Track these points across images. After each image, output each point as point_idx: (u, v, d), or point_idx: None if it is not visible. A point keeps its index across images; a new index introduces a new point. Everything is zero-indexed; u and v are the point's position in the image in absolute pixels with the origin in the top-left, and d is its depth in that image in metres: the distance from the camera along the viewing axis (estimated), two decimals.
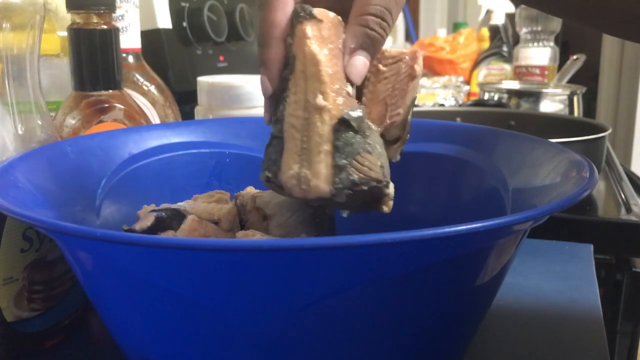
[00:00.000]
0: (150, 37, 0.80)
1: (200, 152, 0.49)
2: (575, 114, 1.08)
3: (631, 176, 0.90)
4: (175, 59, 0.83)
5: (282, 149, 0.32)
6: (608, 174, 0.85)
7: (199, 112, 0.64)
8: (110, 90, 0.50)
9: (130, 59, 0.63)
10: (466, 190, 0.45)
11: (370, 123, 0.32)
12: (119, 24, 0.59)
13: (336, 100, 0.31)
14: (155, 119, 0.63)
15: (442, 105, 1.26)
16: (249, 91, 0.60)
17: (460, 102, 1.32)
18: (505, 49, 1.64)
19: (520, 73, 1.39)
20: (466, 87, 1.47)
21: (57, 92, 0.58)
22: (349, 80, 0.32)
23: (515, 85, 1.21)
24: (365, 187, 0.31)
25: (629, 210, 0.68)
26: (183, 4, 0.86)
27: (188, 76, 0.84)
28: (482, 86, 1.19)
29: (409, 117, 0.33)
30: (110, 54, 0.49)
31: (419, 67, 0.32)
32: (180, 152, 0.48)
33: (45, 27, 0.46)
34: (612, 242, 0.63)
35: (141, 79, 0.64)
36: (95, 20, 0.48)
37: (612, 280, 0.63)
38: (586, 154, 0.36)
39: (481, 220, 0.25)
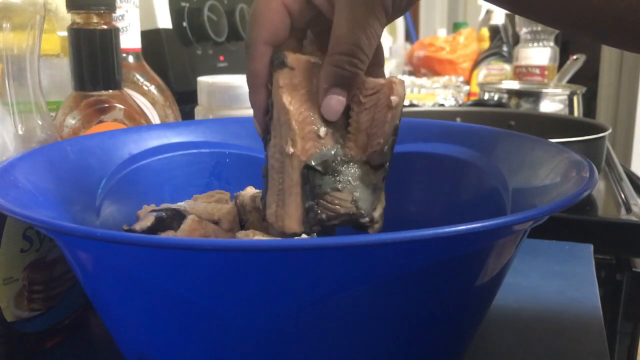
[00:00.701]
0: (150, 37, 0.80)
1: (200, 152, 0.49)
2: (575, 114, 1.08)
3: (631, 176, 0.90)
4: (175, 59, 0.83)
5: (267, 187, 0.36)
6: (608, 174, 0.85)
7: (199, 112, 0.64)
8: (110, 90, 0.50)
9: (130, 59, 0.63)
10: (466, 190, 0.45)
11: (346, 157, 0.34)
12: (119, 24, 0.59)
13: (305, 145, 0.33)
14: (155, 119, 0.63)
15: (442, 105, 1.27)
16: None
17: (460, 102, 1.32)
18: (505, 49, 1.64)
19: (520, 73, 1.39)
20: (466, 87, 1.47)
21: (57, 92, 0.58)
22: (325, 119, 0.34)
23: (515, 85, 1.21)
24: (335, 222, 0.34)
25: (629, 210, 0.68)
26: (183, 4, 0.86)
27: (188, 76, 0.84)
28: (482, 86, 1.19)
29: (388, 146, 0.34)
30: (110, 54, 0.49)
31: (395, 98, 0.33)
32: (180, 152, 0.48)
33: (45, 27, 0.46)
34: (612, 242, 0.63)
35: (141, 79, 0.64)
36: (96, 20, 0.48)
37: (612, 280, 0.63)
38: (586, 154, 0.36)
39: (481, 220, 0.25)
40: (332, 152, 0.34)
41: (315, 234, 0.34)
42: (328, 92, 0.33)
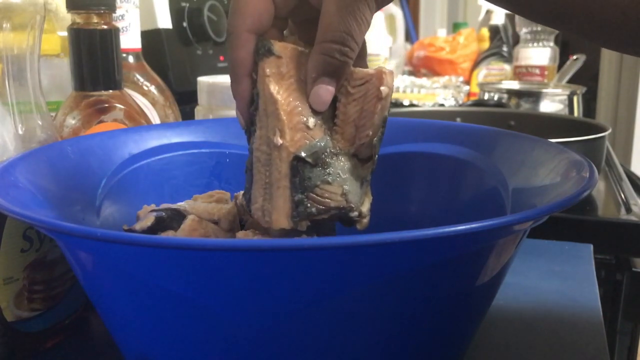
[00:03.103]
0: (150, 37, 0.80)
1: (200, 152, 0.49)
2: (575, 114, 1.08)
3: (631, 176, 0.90)
4: (175, 59, 0.83)
5: (252, 181, 0.34)
6: (608, 174, 0.85)
7: (199, 112, 0.64)
8: (111, 90, 0.50)
9: (131, 59, 0.63)
10: (466, 190, 0.45)
11: (335, 150, 0.33)
12: (119, 24, 0.59)
13: (294, 136, 0.32)
14: (155, 119, 0.63)
15: (442, 105, 1.27)
16: None
17: (460, 102, 1.32)
18: (505, 49, 1.64)
19: (520, 73, 1.39)
20: (466, 87, 1.47)
21: (57, 92, 0.58)
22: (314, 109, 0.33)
23: (515, 85, 1.21)
24: (325, 216, 0.33)
25: (628, 210, 0.68)
26: (183, 4, 0.86)
27: (188, 76, 0.84)
28: (482, 86, 1.19)
29: (377, 138, 0.33)
30: (111, 54, 0.49)
31: (385, 88, 0.32)
32: (180, 152, 0.48)
33: (46, 27, 0.46)
34: (612, 242, 0.63)
35: (141, 79, 0.64)
36: (96, 20, 0.48)
37: (612, 280, 0.63)
38: (586, 154, 0.36)
39: (481, 220, 0.25)
40: (322, 144, 0.33)
41: (304, 230, 0.33)
42: (316, 81, 0.32)
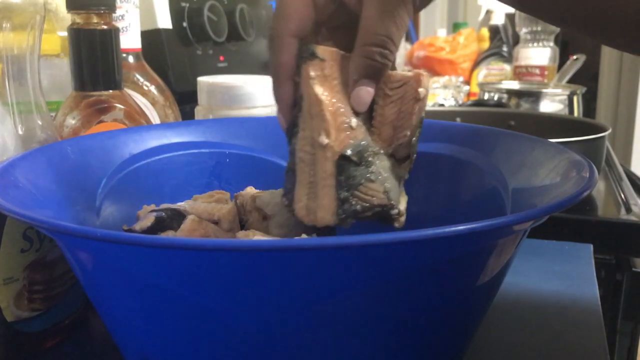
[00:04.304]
0: (150, 37, 0.80)
1: (200, 152, 0.49)
2: (575, 114, 1.08)
3: (631, 176, 0.90)
4: (175, 59, 0.83)
5: (295, 181, 0.35)
6: (608, 174, 0.85)
7: (199, 112, 0.64)
8: (111, 90, 0.50)
9: (130, 59, 0.63)
10: (466, 190, 0.45)
11: (375, 149, 0.35)
12: (119, 24, 0.59)
13: (339, 136, 0.33)
14: (155, 119, 0.63)
15: (442, 105, 1.27)
16: (249, 91, 0.60)
17: (460, 102, 1.32)
18: (505, 49, 1.64)
19: (520, 73, 1.39)
20: (466, 87, 1.47)
21: (57, 92, 0.58)
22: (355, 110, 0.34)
23: (515, 85, 1.21)
24: (369, 213, 0.34)
25: (628, 210, 0.68)
26: (183, 4, 0.86)
27: (188, 76, 0.84)
28: (482, 86, 1.19)
29: (415, 138, 0.34)
30: (111, 54, 0.49)
31: (423, 90, 0.34)
32: (180, 152, 0.48)
33: (45, 27, 0.46)
34: (612, 242, 0.63)
35: (141, 79, 0.64)
36: (96, 20, 0.48)
37: (612, 280, 0.63)
38: (586, 154, 0.36)
39: (481, 220, 0.25)
40: (365, 143, 0.34)
41: (348, 227, 0.34)
42: (357, 83, 0.33)
